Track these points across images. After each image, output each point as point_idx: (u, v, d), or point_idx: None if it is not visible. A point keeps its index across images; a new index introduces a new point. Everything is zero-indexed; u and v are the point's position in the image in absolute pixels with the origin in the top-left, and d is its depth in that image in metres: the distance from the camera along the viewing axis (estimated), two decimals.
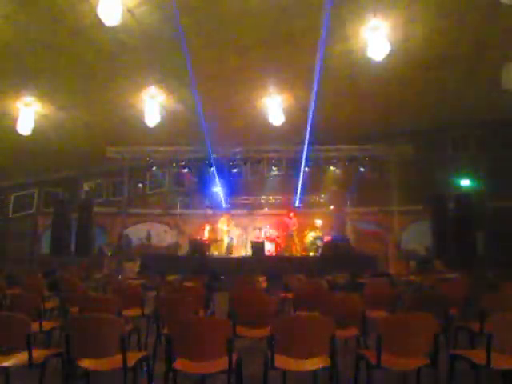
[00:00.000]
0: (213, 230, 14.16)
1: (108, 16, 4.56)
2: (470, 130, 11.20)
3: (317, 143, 12.03)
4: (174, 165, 13.78)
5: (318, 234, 13.19)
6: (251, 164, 13.87)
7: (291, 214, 13.21)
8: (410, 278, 8.04)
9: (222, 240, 13.73)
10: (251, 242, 12.81)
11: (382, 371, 3.19)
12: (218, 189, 14.16)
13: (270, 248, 13.01)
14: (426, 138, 12.23)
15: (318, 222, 13.29)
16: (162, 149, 12.40)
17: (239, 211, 14.64)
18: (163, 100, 7.74)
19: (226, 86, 6.85)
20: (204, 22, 5.38)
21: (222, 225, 14.12)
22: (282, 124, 8.51)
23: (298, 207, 13.77)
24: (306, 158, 12.92)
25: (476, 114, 9.17)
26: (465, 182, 12.59)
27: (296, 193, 13.64)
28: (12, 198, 14.26)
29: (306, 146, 11.93)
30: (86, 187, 14.72)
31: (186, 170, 13.86)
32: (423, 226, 12.98)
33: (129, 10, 4.88)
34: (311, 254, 12.83)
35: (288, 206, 13.86)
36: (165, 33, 5.58)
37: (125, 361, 3.09)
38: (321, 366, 3.15)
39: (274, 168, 13.82)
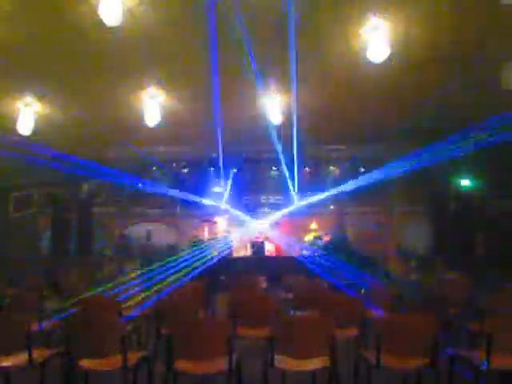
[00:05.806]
0: (213, 230, 14.17)
1: (109, 16, 4.55)
2: (470, 130, 11.19)
3: (316, 143, 12.02)
4: (174, 165, 13.79)
5: (318, 234, 13.24)
6: (251, 164, 13.87)
7: None
8: (410, 278, 8.06)
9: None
10: (251, 241, 12.82)
11: (382, 371, 3.19)
12: (218, 189, 14.15)
13: (269, 248, 13.02)
14: (425, 137, 12.20)
15: (314, 226, 13.42)
16: (161, 149, 12.39)
17: (239, 211, 14.62)
18: (163, 100, 7.72)
19: (226, 85, 6.83)
20: (205, 22, 5.37)
21: (222, 225, 14.12)
22: (282, 124, 8.50)
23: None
24: (306, 159, 12.89)
25: (476, 113, 9.14)
26: (465, 182, 12.57)
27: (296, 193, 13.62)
28: (12, 197, 14.23)
29: (305, 147, 11.92)
30: (85, 187, 14.68)
31: (186, 170, 13.87)
32: (423, 226, 12.98)
33: (129, 10, 4.86)
34: None
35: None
36: (165, 32, 5.57)
37: (125, 361, 3.10)
38: (321, 365, 3.16)
39: (273, 168, 13.82)
